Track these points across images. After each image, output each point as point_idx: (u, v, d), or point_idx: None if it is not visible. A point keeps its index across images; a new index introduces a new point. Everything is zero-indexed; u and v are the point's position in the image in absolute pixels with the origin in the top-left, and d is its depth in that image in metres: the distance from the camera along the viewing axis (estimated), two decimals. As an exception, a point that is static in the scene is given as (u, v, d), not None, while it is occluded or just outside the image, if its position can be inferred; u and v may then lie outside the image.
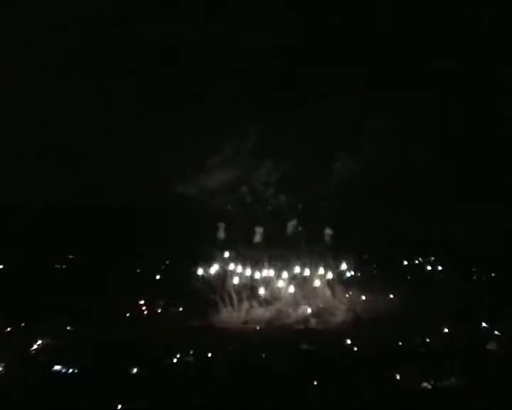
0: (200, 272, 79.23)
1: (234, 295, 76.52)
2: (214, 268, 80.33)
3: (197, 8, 77.61)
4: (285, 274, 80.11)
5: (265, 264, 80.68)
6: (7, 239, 73.72)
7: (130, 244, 78.80)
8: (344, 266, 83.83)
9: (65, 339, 63.71)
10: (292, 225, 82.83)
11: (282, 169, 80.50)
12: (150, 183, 79.37)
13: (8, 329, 64.71)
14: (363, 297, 78.87)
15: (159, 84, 77.97)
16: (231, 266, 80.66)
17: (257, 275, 79.83)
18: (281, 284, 79.17)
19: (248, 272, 80.00)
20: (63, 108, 77.29)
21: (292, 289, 78.31)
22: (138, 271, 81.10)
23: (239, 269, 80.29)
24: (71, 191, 78.80)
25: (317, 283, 79.40)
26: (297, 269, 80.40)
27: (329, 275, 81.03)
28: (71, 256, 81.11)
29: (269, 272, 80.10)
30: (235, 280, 78.61)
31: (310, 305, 76.33)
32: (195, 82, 77.90)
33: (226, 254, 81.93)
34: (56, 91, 75.84)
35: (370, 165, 78.53)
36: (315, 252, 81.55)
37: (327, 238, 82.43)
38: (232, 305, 75.91)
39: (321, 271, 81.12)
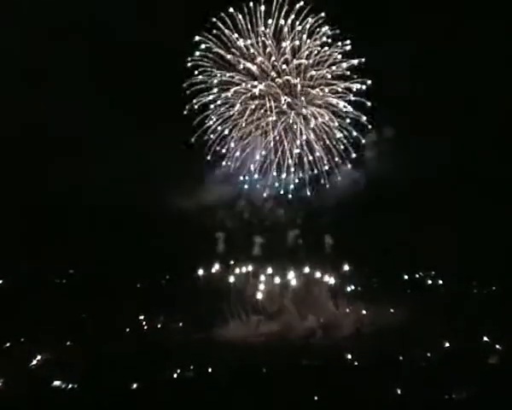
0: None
1: (234, 308, 76.57)
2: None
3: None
4: (284, 288, 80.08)
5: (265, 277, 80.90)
6: (7, 254, 73.77)
7: (130, 259, 78.77)
8: (345, 280, 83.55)
9: (65, 354, 63.61)
10: (292, 237, 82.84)
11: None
12: (150, 197, 79.33)
13: (8, 344, 64.58)
14: (364, 311, 78.67)
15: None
16: (231, 279, 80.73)
17: (256, 288, 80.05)
18: (281, 297, 79.08)
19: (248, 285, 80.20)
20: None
21: (291, 303, 78.26)
22: (138, 286, 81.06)
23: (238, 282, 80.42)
24: (71, 206, 79.02)
25: (317, 297, 79.25)
26: (297, 283, 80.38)
27: (330, 289, 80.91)
28: (71, 271, 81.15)
29: (268, 286, 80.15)
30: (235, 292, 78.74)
31: (310, 319, 76.12)
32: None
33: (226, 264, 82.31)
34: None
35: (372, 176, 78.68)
36: (315, 266, 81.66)
37: (327, 252, 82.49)
38: (233, 318, 75.82)
39: (321, 285, 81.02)
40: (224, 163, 79.06)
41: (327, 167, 78.61)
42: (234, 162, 78.95)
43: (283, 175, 78.96)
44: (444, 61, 79.72)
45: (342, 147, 77.73)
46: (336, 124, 76.80)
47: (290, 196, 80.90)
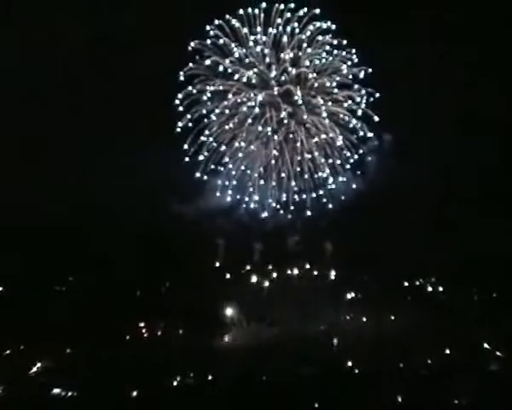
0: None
1: (233, 315, 76.44)
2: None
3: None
4: (284, 294, 79.98)
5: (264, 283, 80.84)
6: (6, 261, 73.68)
7: (130, 266, 78.66)
8: (344, 288, 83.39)
9: (64, 362, 63.46)
10: (291, 243, 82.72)
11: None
12: (148, 204, 79.36)
13: (8, 351, 64.45)
14: (364, 318, 78.47)
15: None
16: (231, 285, 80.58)
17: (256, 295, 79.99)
18: (281, 304, 78.91)
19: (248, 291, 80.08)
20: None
21: (292, 309, 78.09)
22: (138, 293, 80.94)
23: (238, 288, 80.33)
24: (70, 212, 78.93)
25: (317, 303, 79.09)
26: (297, 289, 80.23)
27: (330, 296, 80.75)
28: (70, 278, 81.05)
29: (269, 293, 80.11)
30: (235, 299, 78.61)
31: (309, 326, 75.93)
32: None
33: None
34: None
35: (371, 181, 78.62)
36: (315, 272, 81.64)
37: (327, 258, 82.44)
38: (234, 325, 75.66)
39: (321, 292, 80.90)
40: (219, 182, 79.07)
41: (331, 186, 78.69)
42: (231, 180, 78.83)
43: (283, 197, 79.12)
44: (445, 65, 79.80)
45: (347, 164, 77.97)
46: (339, 134, 76.78)
47: (290, 215, 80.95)
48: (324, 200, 79.31)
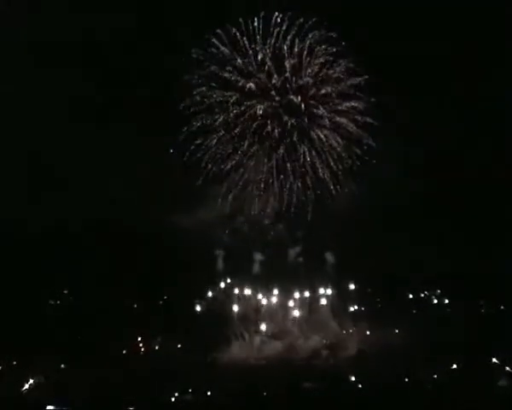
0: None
1: (234, 329, 75.35)
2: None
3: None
4: (285, 308, 78.81)
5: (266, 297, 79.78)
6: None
7: (128, 279, 78.12)
8: (348, 301, 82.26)
9: (59, 378, 62.29)
10: (292, 255, 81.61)
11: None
12: (148, 215, 78.75)
13: (-1, 368, 63.47)
14: (368, 332, 77.20)
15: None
16: (232, 298, 79.61)
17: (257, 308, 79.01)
18: (281, 318, 77.85)
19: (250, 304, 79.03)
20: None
21: (295, 323, 76.91)
22: (135, 306, 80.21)
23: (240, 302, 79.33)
24: (65, 224, 78.62)
25: (320, 316, 78.04)
26: (300, 302, 79.17)
27: (333, 309, 79.57)
28: (65, 292, 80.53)
29: (269, 306, 79.01)
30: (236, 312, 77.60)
31: (314, 340, 74.75)
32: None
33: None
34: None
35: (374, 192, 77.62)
36: (317, 285, 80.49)
37: (329, 270, 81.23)
38: (234, 339, 74.48)
39: (324, 305, 79.78)
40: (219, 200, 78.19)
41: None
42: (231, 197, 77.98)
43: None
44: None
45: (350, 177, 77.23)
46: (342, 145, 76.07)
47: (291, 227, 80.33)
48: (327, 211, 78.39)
